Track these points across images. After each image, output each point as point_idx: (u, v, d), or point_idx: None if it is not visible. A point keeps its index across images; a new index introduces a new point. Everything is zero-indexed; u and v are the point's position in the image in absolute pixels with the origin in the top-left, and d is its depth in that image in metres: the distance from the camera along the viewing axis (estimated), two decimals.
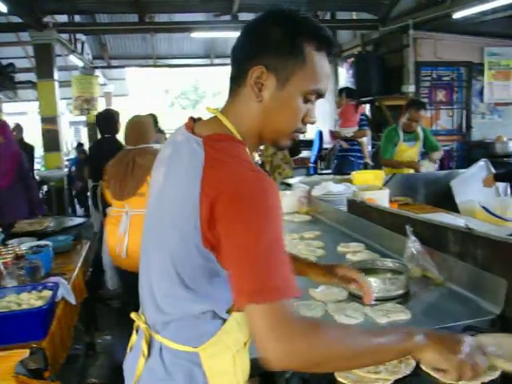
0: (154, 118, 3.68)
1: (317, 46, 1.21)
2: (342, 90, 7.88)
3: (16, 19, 8.48)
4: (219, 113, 1.26)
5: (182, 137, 1.26)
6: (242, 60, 1.22)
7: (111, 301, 5.07)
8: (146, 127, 3.57)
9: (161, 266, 1.23)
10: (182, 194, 1.15)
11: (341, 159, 7.37)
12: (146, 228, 1.35)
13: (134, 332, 1.41)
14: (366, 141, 7.30)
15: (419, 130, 5.25)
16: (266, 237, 1.06)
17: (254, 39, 1.21)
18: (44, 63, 8.44)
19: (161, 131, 4.86)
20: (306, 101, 1.23)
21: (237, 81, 1.24)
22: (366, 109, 9.51)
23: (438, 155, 5.31)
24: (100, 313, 4.63)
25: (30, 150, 8.29)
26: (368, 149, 7.35)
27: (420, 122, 5.17)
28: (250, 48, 1.20)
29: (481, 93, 8.92)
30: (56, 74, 8.56)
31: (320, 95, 1.25)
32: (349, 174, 4.62)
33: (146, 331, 1.30)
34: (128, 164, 3.37)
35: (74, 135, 20.21)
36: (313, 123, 1.29)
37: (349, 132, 7.36)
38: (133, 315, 1.39)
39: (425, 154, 5.45)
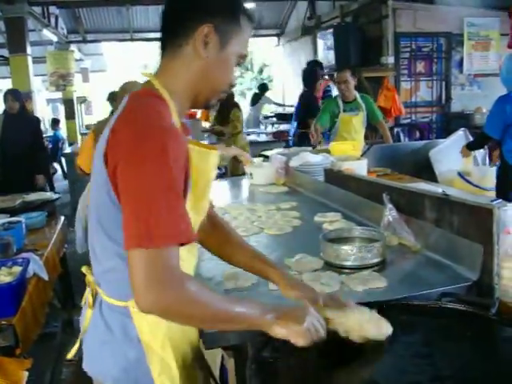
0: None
1: (247, 18, 1.36)
2: (309, 64, 7.92)
3: None
4: (152, 76, 1.34)
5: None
6: (190, 17, 1.28)
7: None
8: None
9: (92, 220, 1.33)
10: (99, 147, 1.25)
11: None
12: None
13: (87, 286, 1.46)
14: None
15: (359, 100, 5.20)
16: (157, 183, 1.11)
17: (205, 1, 1.30)
18: (16, 37, 8.27)
19: None
20: (236, 64, 1.37)
21: (177, 39, 1.30)
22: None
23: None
24: (78, 289, 4.58)
25: None
26: None
27: (348, 85, 5.10)
28: (199, 8, 1.29)
29: (460, 64, 8.90)
30: (29, 49, 8.40)
31: (244, 59, 1.40)
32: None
33: (92, 284, 1.41)
34: None
35: (51, 113, 19.90)
36: (233, 86, 1.43)
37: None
38: (83, 268, 1.47)
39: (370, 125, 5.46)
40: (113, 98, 5.98)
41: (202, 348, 1.58)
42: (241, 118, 6.81)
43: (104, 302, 1.37)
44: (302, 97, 7.24)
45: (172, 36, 1.31)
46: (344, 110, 5.15)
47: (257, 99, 10.76)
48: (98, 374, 1.43)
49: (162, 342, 1.35)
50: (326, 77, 7.79)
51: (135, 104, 1.26)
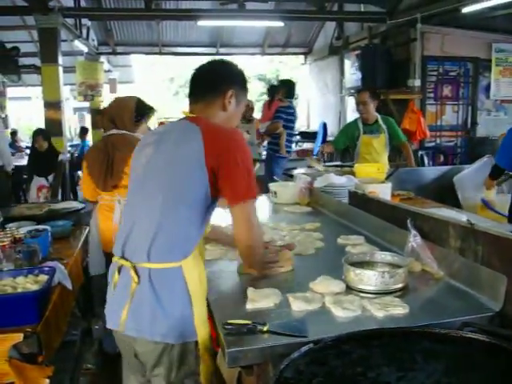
0: (137, 100, 3.47)
1: (247, 88, 2.16)
2: (269, 90, 8.27)
3: (21, 2, 8.45)
4: (193, 115, 2.01)
5: (169, 125, 2.18)
6: (222, 83, 2.02)
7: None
8: (121, 111, 3.43)
9: (166, 204, 1.84)
10: (186, 153, 1.86)
11: (267, 156, 7.48)
12: (133, 191, 2.01)
13: (116, 273, 1.90)
14: (283, 134, 7.22)
15: (381, 122, 5.15)
16: (247, 166, 1.87)
17: (230, 73, 2.09)
18: (48, 47, 8.40)
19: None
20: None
21: (212, 95, 2.01)
22: None
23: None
24: (98, 299, 4.62)
25: None
26: (286, 142, 7.31)
27: (367, 107, 5.07)
28: (228, 77, 2.07)
29: (487, 89, 8.86)
30: (60, 59, 8.52)
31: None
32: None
33: (131, 265, 1.83)
34: (107, 155, 3.33)
35: (78, 121, 20.15)
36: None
37: (263, 127, 7.51)
38: (115, 259, 1.94)
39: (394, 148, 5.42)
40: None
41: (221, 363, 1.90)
42: None
43: (154, 272, 1.80)
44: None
45: (209, 93, 2.01)
46: (364, 132, 5.14)
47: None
48: (145, 333, 1.81)
49: (200, 291, 1.85)
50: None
51: (212, 123, 1.96)
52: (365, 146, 5.10)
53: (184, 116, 2.04)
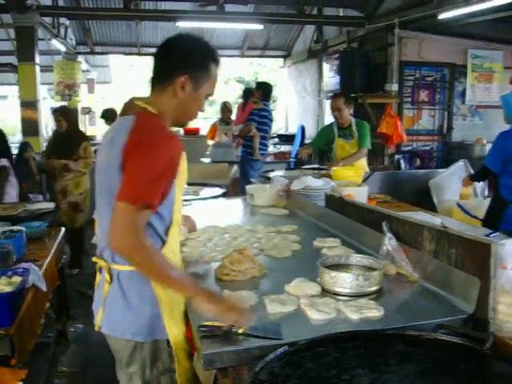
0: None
1: (215, 65, 1.92)
2: (244, 92, 8.36)
3: None
4: (146, 104, 1.89)
5: (118, 120, 1.96)
6: (172, 68, 1.85)
7: (86, 289, 5.03)
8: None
9: (107, 203, 1.80)
10: (114, 149, 1.78)
11: (241, 158, 7.52)
12: (96, 189, 1.94)
13: (98, 273, 1.97)
14: (257, 137, 7.24)
15: (354, 127, 5.19)
16: (152, 168, 1.70)
17: (184, 56, 1.87)
18: (25, 46, 8.30)
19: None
20: (205, 99, 1.96)
21: (164, 81, 1.87)
22: None
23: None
24: (73, 301, 4.59)
25: None
26: (260, 145, 7.31)
27: (341, 113, 5.11)
28: (180, 61, 1.86)
29: (463, 94, 8.97)
30: (37, 58, 8.43)
31: (211, 95, 1.97)
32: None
33: (107, 266, 1.88)
34: None
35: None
36: (202, 111, 2.01)
37: (237, 130, 7.55)
38: (94, 259, 1.97)
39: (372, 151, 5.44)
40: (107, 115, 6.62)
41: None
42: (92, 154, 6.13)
43: (122, 273, 1.85)
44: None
45: (160, 80, 1.89)
46: (339, 136, 5.22)
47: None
48: (117, 333, 1.91)
49: (169, 294, 1.83)
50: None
51: (146, 119, 1.83)
52: (340, 149, 5.16)
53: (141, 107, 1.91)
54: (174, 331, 1.89)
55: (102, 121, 7.83)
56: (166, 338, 1.90)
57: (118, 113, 2.10)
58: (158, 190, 1.71)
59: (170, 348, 1.91)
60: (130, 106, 1.95)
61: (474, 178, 4.65)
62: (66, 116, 5.99)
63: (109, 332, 1.94)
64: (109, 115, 7.69)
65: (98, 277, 1.97)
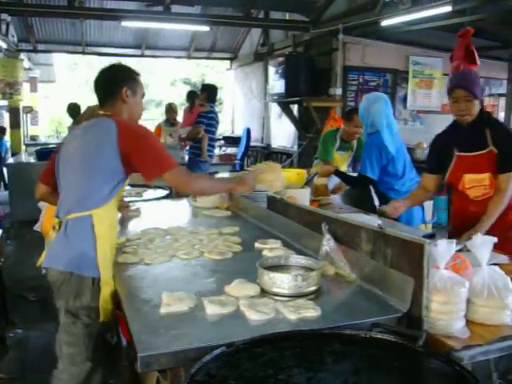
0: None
1: (138, 75, 2.62)
2: (188, 95, 8.44)
3: None
4: (106, 113, 2.47)
5: (92, 121, 2.50)
6: (115, 85, 2.49)
7: (27, 293, 4.90)
8: None
9: (76, 174, 2.36)
10: (102, 141, 2.34)
11: (189, 160, 7.52)
12: (61, 168, 2.46)
13: (52, 230, 2.42)
14: (205, 139, 7.19)
15: (354, 142, 5.13)
16: (156, 143, 2.46)
17: (120, 75, 2.55)
18: None
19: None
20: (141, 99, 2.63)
21: (113, 95, 2.49)
22: (294, 109, 9.61)
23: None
24: (13, 305, 4.46)
25: None
26: (207, 146, 7.28)
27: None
28: (119, 78, 2.52)
29: (404, 100, 9.22)
30: None
31: (143, 95, 2.65)
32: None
33: (58, 220, 2.35)
34: None
35: None
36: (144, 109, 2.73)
37: (184, 132, 7.59)
38: (53, 222, 2.43)
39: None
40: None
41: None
42: None
43: (70, 221, 2.27)
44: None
45: (110, 96, 2.50)
46: (338, 148, 5.12)
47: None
48: (51, 263, 2.30)
49: (106, 237, 2.30)
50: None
51: (124, 121, 2.42)
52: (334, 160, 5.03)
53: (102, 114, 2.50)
54: (105, 272, 2.26)
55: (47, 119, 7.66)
56: (94, 276, 2.23)
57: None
58: (168, 155, 2.40)
59: (94, 288, 2.23)
60: (92, 115, 2.59)
61: (350, 184, 4.54)
62: None
63: (45, 264, 2.34)
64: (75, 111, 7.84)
65: (53, 233, 2.39)
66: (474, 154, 2.96)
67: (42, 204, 3.81)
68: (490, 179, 2.94)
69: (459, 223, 3.11)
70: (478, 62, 6.05)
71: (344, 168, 5.15)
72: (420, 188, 3.44)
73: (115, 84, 2.51)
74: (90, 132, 2.43)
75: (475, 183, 2.99)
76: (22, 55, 12.66)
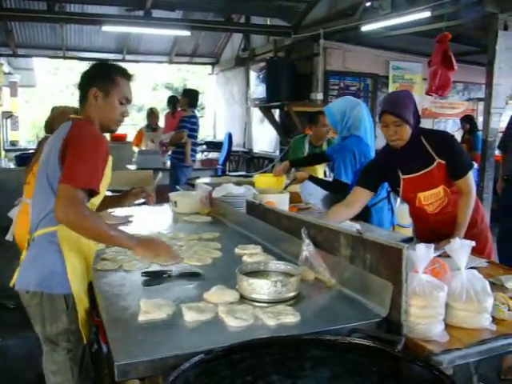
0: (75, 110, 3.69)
1: (121, 75, 2.37)
2: (169, 100, 8.47)
3: None
4: (79, 116, 2.37)
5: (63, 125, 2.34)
6: (84, 86, 2.35)
7: (6, 301, 4.83)
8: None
9: (42, 187, 2.24)
10: (55, 147, 2.22)
11: (171, 165, 7.49)
12: (37, 181, 2.33)
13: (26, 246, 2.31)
14: (188, 144, 7.23)
15: (325, 146, 5.10)
16: (88, 157, 2.14)
17: (90, 75, 2.38)
18: None
19: None
20: (121, 103, 2.37)
21: (83, 97, 2.35)
22: (276, 114, 9.63)
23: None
24: None
25: None
26: (191, 151, 7.35)
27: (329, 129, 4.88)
28: (88, 79, 2.36)
29: None
30: None
31: (128, 101, 2.41)
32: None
33: (28, 239, 2.29)
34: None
35: None
36: (126, 116, 2.44)
37: (166, 138, 7.58)
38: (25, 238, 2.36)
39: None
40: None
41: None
42: None
43: (37, 238, 2.23)
44: None
45: (82, 98, 2.36)
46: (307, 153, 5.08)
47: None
48: (23, 285, 2.23)
49: (75, 251, 2.24)
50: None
51: (79, 123, 2.30)
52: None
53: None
54: (76, 286, 2.20)
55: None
56: (64, 294, 2.17)
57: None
58: (95, 175, 2.16)
59: (69, 310, 2.18)
60: (63, 119, 2.47)
61: (326, 189, 4.41)
62: None
63: (17, 287, 2.26)
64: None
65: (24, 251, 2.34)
66: (420, 173, 2.87)
67: (12, 213, 3.78)
68: (444, 190, 2.88)
69: (423, 234, 3.07)
70: (456, 66, 6.13)
71: (321, 174, 5.11)
72: (345, 205, 3.11)
73: (84, 84, 2.36)
74: (50, 142, 2.33)
75: (432, 199, 2.92)
76: (2, 60, 12.51)
